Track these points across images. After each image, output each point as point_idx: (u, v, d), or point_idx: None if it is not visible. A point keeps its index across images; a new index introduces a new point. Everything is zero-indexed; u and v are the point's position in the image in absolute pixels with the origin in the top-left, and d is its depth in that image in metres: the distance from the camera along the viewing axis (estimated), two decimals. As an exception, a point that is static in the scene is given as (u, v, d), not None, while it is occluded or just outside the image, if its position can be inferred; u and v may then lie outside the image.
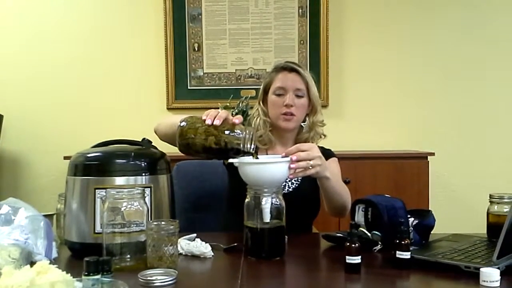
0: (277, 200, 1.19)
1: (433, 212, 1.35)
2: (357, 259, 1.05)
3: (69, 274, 0.91)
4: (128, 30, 2.92)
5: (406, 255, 1.08)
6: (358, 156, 2.61)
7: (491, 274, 0.96)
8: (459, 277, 1.03)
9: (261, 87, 1.72)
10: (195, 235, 1.29)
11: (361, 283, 1.06)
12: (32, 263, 1.01)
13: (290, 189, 1.61)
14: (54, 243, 1.17)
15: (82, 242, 1.22)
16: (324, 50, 2.86)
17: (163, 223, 1.11)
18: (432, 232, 1.33)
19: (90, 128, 2.86)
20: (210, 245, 1.22)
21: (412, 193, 2.49)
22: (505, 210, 1.31)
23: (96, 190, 1.20)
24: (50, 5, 2.92)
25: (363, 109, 2.92)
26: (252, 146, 1.22)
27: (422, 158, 2.60)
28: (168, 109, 2.90)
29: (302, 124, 1.70)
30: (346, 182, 1.61)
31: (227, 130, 1.20)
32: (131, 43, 2.92)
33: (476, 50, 2.90)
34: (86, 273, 0.90)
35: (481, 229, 1.38)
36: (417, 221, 1.28)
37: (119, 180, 1.22)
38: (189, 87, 2.91)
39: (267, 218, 1.17)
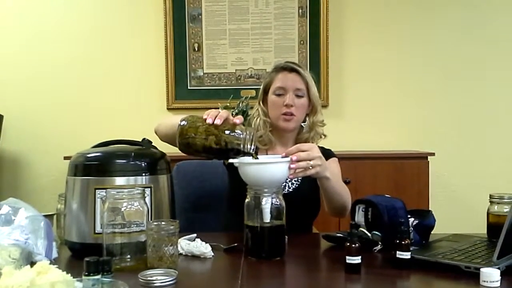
0: (277, 200, 1.19)
1: (433, 212, 1.35)
2: (357, 259, 1.05)
3: (69, 274, 0.91)
4: (128, 30, 2.92)
5: (406, 255, 1.08)
6: (358, 156, 2.61)
7: (491, 274, 0.96)
8: (459, 277, 1.03)
9: (261, 87, 1.71)
10: (195, 235, 1.29)
11: (361, 283, 1.06)
12: (32, 263, 1.01)
13: (290, 189, 1.60)
14: (54, 243, 1.17)
15: (82, 242, 1.22)
16: (324, 50, 2.86)
17: (163, 223, 1.11)
18: (432, 232, 1.33)
19: (90, 128, 2.86)
20: (210, 245, 1.22)
21: (412, 193, 2.49)
22: (505, 210, 1.31)
23: (96, 190, 1.20)
24: (50, 5, 2.92)
25: (363, 109, 2.92)
26: (253, 147, 1.22)
27: (422, 158, 2.60)
28: (168, 109, 2.90)
29: (302, 124, 1.70)
30: (346, 182, 1.61)
31: (227, 130, 1.20)
32: (131, 43, 2.92)
33: (476, 50, 2.90)
34: (86, 273, 0.90)
35: (481, 229, 1.38)
36: (417, 221, 1.28)
37: (119, 180, 1.22)
38: (189, 87, 2.91)
39: (267, 218, 1.17)
